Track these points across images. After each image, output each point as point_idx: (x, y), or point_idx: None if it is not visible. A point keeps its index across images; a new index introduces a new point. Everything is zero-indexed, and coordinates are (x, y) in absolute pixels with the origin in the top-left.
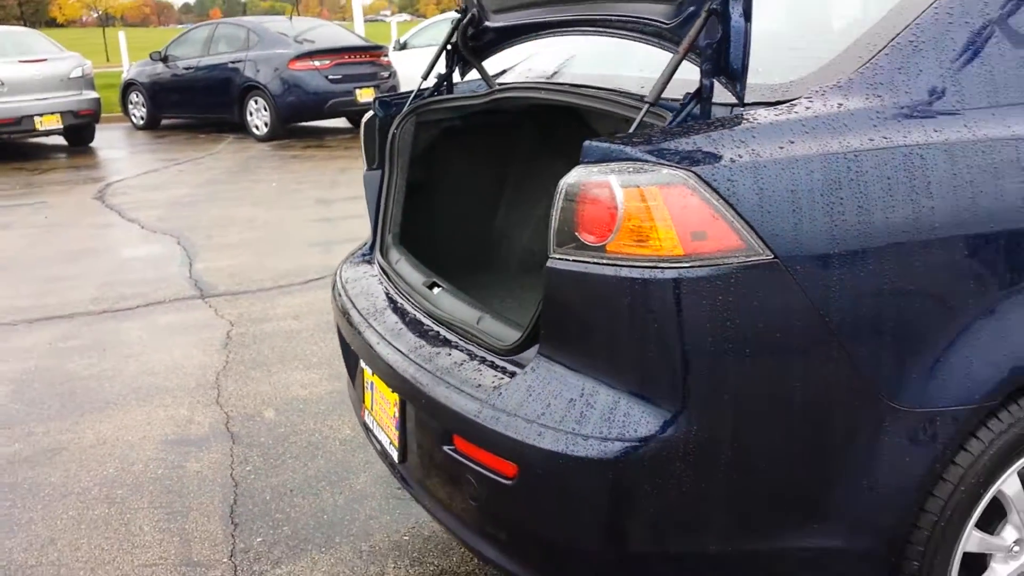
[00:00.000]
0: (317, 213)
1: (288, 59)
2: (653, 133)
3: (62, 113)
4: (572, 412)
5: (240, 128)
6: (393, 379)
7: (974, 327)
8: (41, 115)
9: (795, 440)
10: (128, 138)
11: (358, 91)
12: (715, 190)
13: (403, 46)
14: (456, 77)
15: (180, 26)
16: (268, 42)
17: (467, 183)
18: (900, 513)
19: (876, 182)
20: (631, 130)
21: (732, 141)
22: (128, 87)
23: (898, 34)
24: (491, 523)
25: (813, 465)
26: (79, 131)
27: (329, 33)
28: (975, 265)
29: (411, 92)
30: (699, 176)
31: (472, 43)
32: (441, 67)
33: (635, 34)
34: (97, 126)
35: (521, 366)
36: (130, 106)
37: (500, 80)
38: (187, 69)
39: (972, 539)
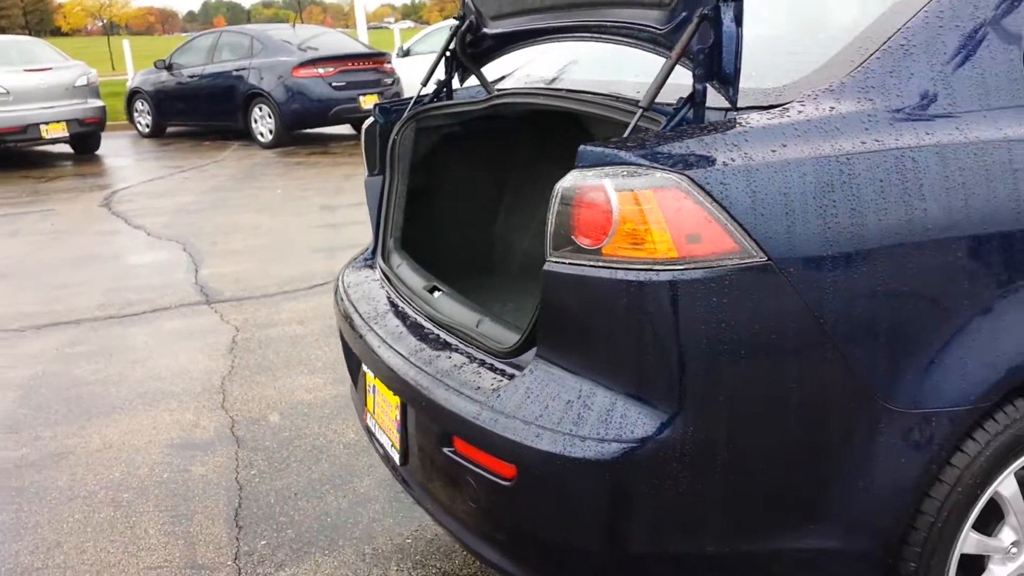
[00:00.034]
0: (322, 219)
1: (292, 66)
2: (647, 137)
3: (68, 121)
4: (570, 413)
5: (245, 135)
6: (394, 382)
7: (968, 328)
8: (47, 123)
9: (791, 441)
10: (133, 146)
11: (362, 98)
12: (708, 193)
13: (406, 53)
14: (455, 83)
15: (184, 34)
16: (272, 50)
17: (467, 188)
18: (896, 514)
19: (868, 184)
20: (625, 134)
21: (725, 145)
22: (133, 95)
23: (889, 38)
24: (491, 525)
25: (809, 466)
26: (85, 139)
27: (332, 40)
28: (968, 266)
29: (411, 98)
30: (692, 179)
31: (471, 49)
32: (440, 73)
33: (630, 40)
34: (103, 134)
35: (520, 368)
36: (135, 114)
37: (499, 86)
38: (191, 77)
39: (969, 541)
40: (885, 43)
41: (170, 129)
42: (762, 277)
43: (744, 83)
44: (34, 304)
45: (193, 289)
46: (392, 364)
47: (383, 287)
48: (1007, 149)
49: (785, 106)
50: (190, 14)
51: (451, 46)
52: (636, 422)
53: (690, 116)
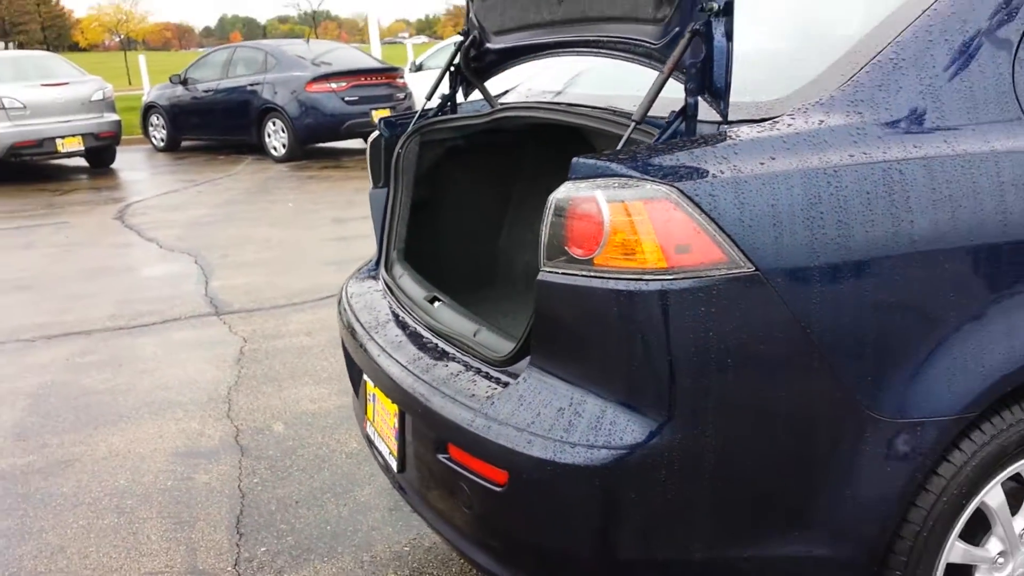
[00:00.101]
0: (333, 232)
1: (305, 81)
2: (639, 150)
3: (83, 135)
4: (561, 420)
5: (258, 149)
6: (393, 390)
7: (954, 339)
8: (63, 137)
9: (778, 449)
10: (148, 160)
11: (374, 112)
12: (697, 204)
13: (419, 67)
14: (460, 97)
15: (200, 49)
16: (286, 65)
17: (471, 200)
18: (882, 522)
19: (855, 197)
20: (618, 147)
21: (714, 157)
22: (148, 110)
23: (879, 52)
24: (485, 531)
25: (796, 474)
26: (100, 153)
27: (346, 56)
28: (955, 278)
29: (416, 112)
30: (682, 191)
31: (475, 64)
32: (445, 88)
33: (627, 55)
34: (118, 148)
35: (515, 377)
36: (150, 128)
37: (502, 100)
38: (206, 92)
39: (956, 550)
40: (875, 57)
41: (185, 143)
42: (750, 287)
43: (736, 97)
44: (47, 315)
45: (203, 301)
46: (391, 372)
47: (385, 298)
48: (994, 162)
49: (775, 119)
50: (206, 29)
51: (455, 61)
52: (625, 429)
53: (682, 129)
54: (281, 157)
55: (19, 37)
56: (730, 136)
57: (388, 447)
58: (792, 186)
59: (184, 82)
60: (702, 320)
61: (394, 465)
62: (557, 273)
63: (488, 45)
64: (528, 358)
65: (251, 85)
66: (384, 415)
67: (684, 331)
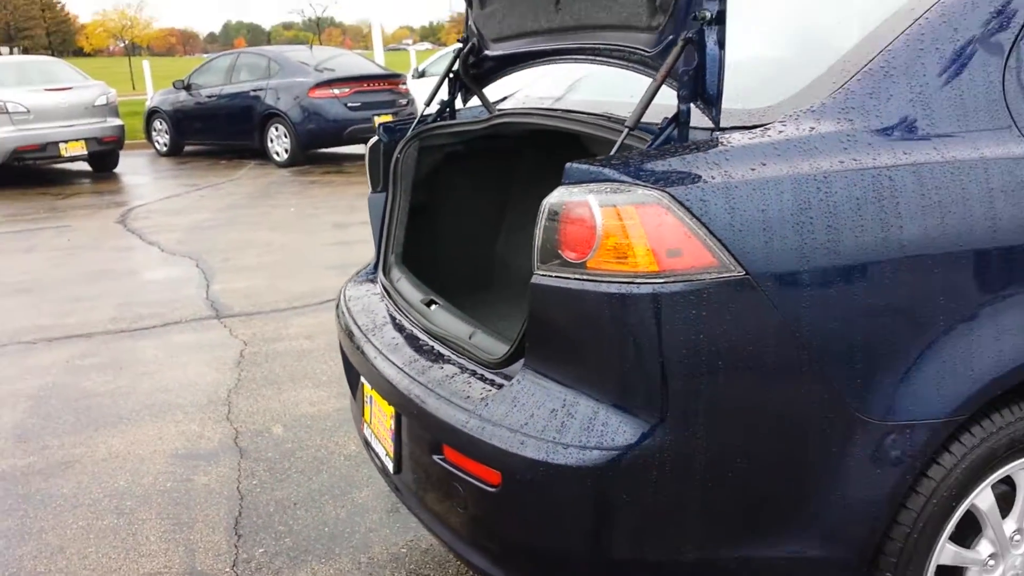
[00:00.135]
0: (334, 237)
1: (308, 87)
2: (632, 155)
3: (86, 140)
4: (553, 422)
5: (261, 154)
6: (389, 392)
7: (943, 343)
8: (66, 142)
9: (768, 451)
10: (151, 164)
11: (376, 118)
12: (688, 209)
13: (421, 74)
14: (459, 103)
15: (205, 55)
16: (289, 71)
17: (469, 205)
18: (872, 524)
19: (845, 202)
20: (611, 152)
21: (706, 163)
22: (152, 114)
23: (871, 60)
24: (479, 531)
25: (786, 476)
26: (103, 157)
27: (348, 62)
28: (944, 282)
29: (415, 118)
30: (673, 196)
31: (473, 71)
32: (444, 94)
33: (622, 62)
34: (121, 152)
35: (509, 379)
36: (154, 133)
37: (500, 106)
38: (209, 97)
39: (946, 552)
40: (866, 65)
41: (188, 148)
42: (740, 291)
43: (728, 104)
44: (48, 317)
45: (204, 304)
46: (387, 375)
47: (383, 301)
48: (984, 169)
49: (766, 126)
50: (211, 35)
51: (454, 67)
52: (617, 431)
53: (675, 135)
54: (283, 162)
55: (24, 42)
56: (722, 142)
57: (385, 449)
58: (782, 192)
59: (188, 87)
60: (693, 323)
61: (390, 467)
62: (551, 276)
63: (487, 52)
64: (522, 360)
65: (254, 91)
66: (381, 417)
67: (675, 334)
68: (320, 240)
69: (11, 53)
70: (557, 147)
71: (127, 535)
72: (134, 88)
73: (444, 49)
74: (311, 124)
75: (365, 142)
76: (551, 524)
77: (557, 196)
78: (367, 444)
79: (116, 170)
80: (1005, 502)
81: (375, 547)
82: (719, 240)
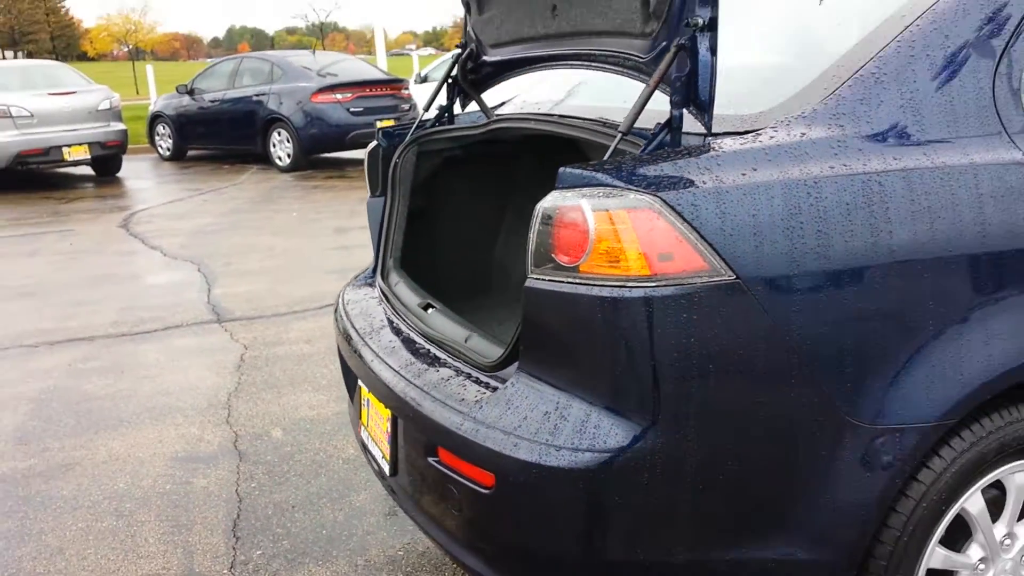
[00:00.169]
0: (335, 242)
1: (311, 92)
2: (624, 160)
3: (90, 144)
4: (546, 424)
5: (264, 159)
6: (385, 395)
7: (933, 347)
8: (69, 146)
9: (759, 454)
10: (154, 169)
11: (378, 123)
12: (680, 214)
13: (424, 79)
14: (457, 108)
15: (208, 60)
16: (291, 76)
17: (467, 210)
18: (861, 527)
19: (835, 208)
20: (605, 157)
21: (697, 168)
22: (155, 119)
23: (862, 66)
24: (473, 533)
25: (776, 478)
26: (106, 161)
27: (351, 67)
28: (933, 287)
29: (414, 123)
30: (664, 201)
31: (471, 76)
32: (443, 99)
33: (617, 68)
34: (124, 157)
35: (504, 381)
36: (157, 137)
37: (498, 111)
38: (212, 102)
39: (936, 556)
40: (858, 71)
41: (190, 152)
42: (731, 295)
43: (720, 110)
44: (50, 320)
45: (205, 308)
46: (384, 377)
47: (381, 304)
48: (973, 175)
49: (758, 132)
50: (215, 40)
51: (453, 73)
52: (609, 433)
53: (667, 140)
54: (286, 167)
55: (28, 46)
56: (713, 148)
57: (381, 451)
58: (773, 197)
59: (191, 92)
60: (684, 327)
61: (387, 469)
62: (544, 280)
63: (485, 58)
64: (517, 363)
65: (257, 95)
66: (377, 419)
67: (667, 337)
68: (322, 244)
69: (15, 57)
70: (555, 152)
71: (126, 537)
72: (138, 93)
73: (447, 54)
74: (314, 129)
75: (367, 147)
76: (544, 526)
77: (550, 200)
78: (364, 447)
79: (119, 174)
80: (995, 506)
81: (372, 550)
82: (710, 244)
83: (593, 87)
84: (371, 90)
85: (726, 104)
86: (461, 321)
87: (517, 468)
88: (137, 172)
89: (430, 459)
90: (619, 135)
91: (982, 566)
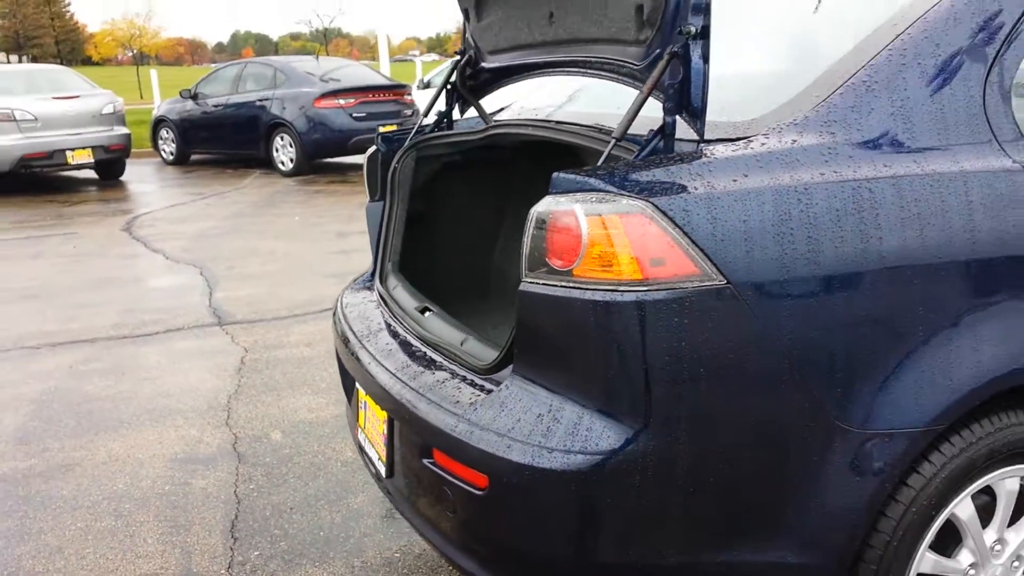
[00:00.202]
0: (337, 246)
1: (314, 97)
2: (618, 166)
3: (93, 148)
4: (539, 426)
5: (266, 164)
6: (382, 397)
7: (922, 353)
8: (73, 149)
9: (749, 458)
10: (157, 173)
11: (381, 128)
12: (671, 219)
13: (427, 85)
14: (456, 114)
15: (213, 65)
16: (295, 81)
17: (466, 214)
18: (851, 531)
19: (825, 214)
20: (599, 163)
21: (689, 174)
22: (158, 123)
23: (853, 74)
24: (467, 534)
25: (767, 482)
26: (109, 165)
27: (354, 72)
28: (923, 293)
29: (413, 128)
30: (656, 206)
31: (470, 82)
32: (442, 105)
33: (612, 75)
34: (127, 161)
35: (498, 384)
36: (160, 142)
37: (496, 117)
38: (216, 106)
39: (926, 561)
40: (849, 79)
41: (194, 157)
42: (721, 299)
43: (713, 116)
44: (52, 323)
45: (207, 311)
46: (380, 380)
47: (379, 308)
48: (963, 182)
49: (750, 139)
50: (219, 45)
51: (452, 78)
52: (601, 435)
53: (660, 147)
54: (289, 171)
55: (33, 50)
56: (705, 154)
57: (378, 453)
58: (764, 203)
59: (194, 97)
60: (676, 331)
61: (383, 471)
62: (538, 284)
63: (483, 64)
64: (511, 366)
65: (260, 100)
66: (374, 422)
67: (659, 341)
68: (323, 249)
69: (20, 61)
70: (552, 157)
71: (125, 537)
72: (141, 97)
73: (449, 60)
74: (316, 134)
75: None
76: (537, 527)
77: (544, 205)
78: (361, 449)
79: (122, 178)
80: (986, 512)
81: (369, 551)
82: (701, 250)
83: (590, 94)
84: (374, 95)
85: (719, 111)
86: (457, 324)
87: (510, 470)
88: (140, 176)
89: (425, 461)
90: (613, 141)
91: (972, 571)
